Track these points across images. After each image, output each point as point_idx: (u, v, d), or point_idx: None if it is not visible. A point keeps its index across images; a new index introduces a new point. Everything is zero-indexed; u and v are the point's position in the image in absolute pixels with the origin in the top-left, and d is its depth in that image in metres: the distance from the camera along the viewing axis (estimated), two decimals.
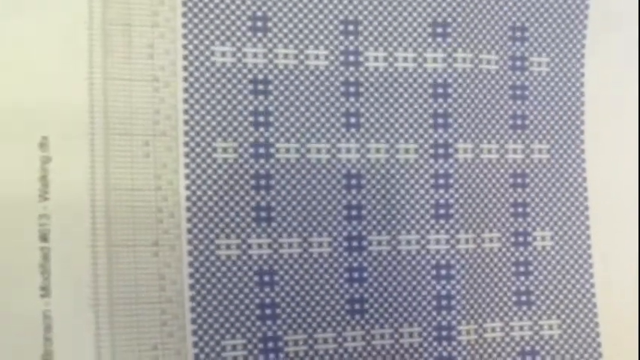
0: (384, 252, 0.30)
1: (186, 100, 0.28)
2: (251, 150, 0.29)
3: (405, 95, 0.31)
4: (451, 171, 0.31)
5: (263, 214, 0.29)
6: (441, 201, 0.31)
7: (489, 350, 0.31)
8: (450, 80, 0.31)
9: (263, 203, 0.29)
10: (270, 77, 0.29)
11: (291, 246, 0.29)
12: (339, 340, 0.30)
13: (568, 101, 0.33)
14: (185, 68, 0.28)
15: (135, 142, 0.28)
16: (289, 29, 0.30)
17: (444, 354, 0.30)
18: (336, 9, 0.30)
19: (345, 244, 0.30)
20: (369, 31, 0.30)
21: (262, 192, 0.29)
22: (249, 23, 0.29)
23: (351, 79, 0.30)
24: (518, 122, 0.32)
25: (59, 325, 0.26)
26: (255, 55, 0.29)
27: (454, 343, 0.30)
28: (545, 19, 0.32)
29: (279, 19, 0.30)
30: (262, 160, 0.29)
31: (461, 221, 0.31)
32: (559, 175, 0.33)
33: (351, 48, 0.30)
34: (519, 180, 0.32)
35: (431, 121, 0.31)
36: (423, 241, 0.31)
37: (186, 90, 0.28)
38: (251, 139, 0.29)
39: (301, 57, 0.30)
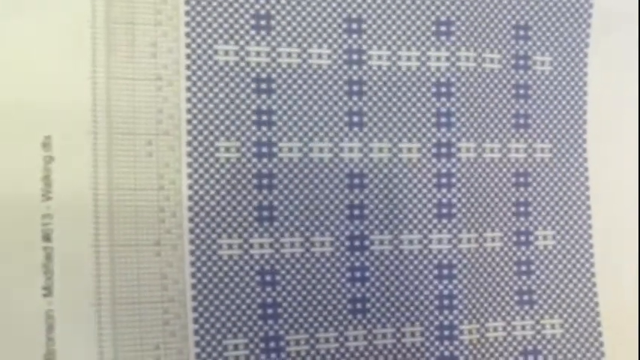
0: (386, 251, 0.30)
1: (189, 99, 0.28)
2: (254, 149, 0.29)
3: (408, 94, 0.31)
4: (454, 170, 0.31)
5: (265, 213, 0.29)
6: (444, 200, 0.31)
7: (491, 350, 0.31)
8: (452, 79, 0.31)
9: (265, 203, 0.29)
10: (273, 76, 0.29)
11: (294, 245, 0.29)
12: (341, 339, 0.30)
13: (571, 100, 0.33)
14: (188, 67, 0.28)
15: (138, 142, 0.28)
16: (292, 28, 0.29)
17: (446, 353, 0.30)
18: (340, 7, 0.30)
19: (348, 243, 0.30)
20: (373, 30, 0.30)
21: (265, 191, 0.29)
22: (252, 22, 0.29)
23: (354, 77, 0.30)
24: (521, 121, 0.32)
25: (62, 325, 0.26)
26: (258, 54, 0.29)
27: (456, 343, 0.30)
28: (548, 18, 0.32)
29: (282, 17, 0.29)
30: (265, 160, 0.29)
31: (463, 220, 0.31)
32: (561, 174, 0.33)
33: (355, 47, 0.30)
34: (522, 179, 0.32)
35: (434, 120, 0.31)
36: (425, 241, 0.30)
37: (189, 89, 0.28)
38: (254, 139, 0.29)
39: (304, 56, 0.30)
